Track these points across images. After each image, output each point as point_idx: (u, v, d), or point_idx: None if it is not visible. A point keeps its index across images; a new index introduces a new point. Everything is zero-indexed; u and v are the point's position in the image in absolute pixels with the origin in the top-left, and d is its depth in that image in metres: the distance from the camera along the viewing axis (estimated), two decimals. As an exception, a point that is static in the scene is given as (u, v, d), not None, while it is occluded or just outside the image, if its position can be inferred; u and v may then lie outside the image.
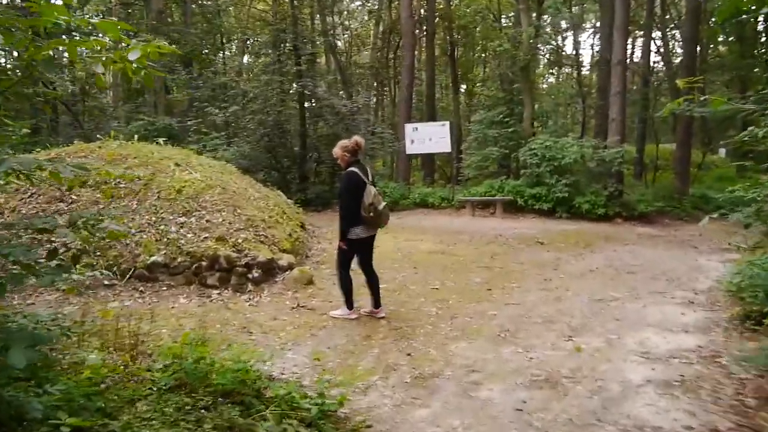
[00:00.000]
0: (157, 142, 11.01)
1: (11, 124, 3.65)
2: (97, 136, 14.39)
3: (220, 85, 18.75)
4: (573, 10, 25.62)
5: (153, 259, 7.40)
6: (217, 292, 7.27)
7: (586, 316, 6.33)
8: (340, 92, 24.14)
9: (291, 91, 17.77)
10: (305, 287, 7.55)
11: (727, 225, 14.52)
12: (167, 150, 10.03)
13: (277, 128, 16.91)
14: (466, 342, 5.57)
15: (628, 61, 18.98)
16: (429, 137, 17.10)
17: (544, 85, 36.98)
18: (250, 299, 7.11)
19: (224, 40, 25.72)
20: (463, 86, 34.63)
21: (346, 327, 6.08)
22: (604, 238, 11.78)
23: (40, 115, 22.70)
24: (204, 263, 7.40)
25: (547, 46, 31.37)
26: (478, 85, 32.28)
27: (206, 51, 23.12)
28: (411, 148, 17.56)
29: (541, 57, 31.06)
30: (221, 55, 28.45)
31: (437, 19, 25.86)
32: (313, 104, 17.57)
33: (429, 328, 6.02)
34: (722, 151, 34.36)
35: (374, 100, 31.91)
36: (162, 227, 7.82)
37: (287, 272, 7.73)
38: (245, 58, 29.20)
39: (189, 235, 7.73)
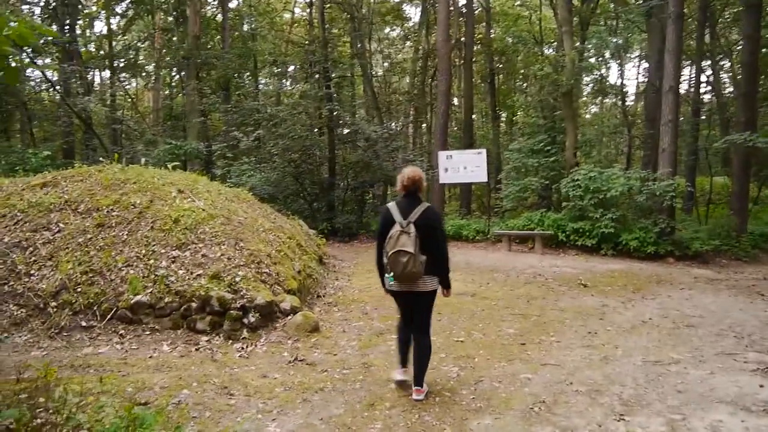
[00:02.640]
0: (166, 167, 10.27)
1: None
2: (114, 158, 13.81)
3: (251, 109, 18.09)
4: (618, 37, 24.47)
5: (137, 298, 6.51)
6: (207, 338, 6.32)
7: (640, 386, 5.17)
8: (374, 118, 23.36)
9: (320, 116, 16.98)
10: (309, 335, 6.54)
11: (793, 267, 13.17)
12: (173, 175, 9.23)
13: (305, 153, 16.10)
14: (491, 417, 4.49)
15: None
16: (464, 165, 16.07)
17: (588, 115, 35.73)
18: (242, 349, 6.14)
19: (257, 65, 25.22)
20: (504, 114, 33.65)
21: (347, 391, 5.04)
22: (656, 281, 10.51)
23: (71, 137, 22.63)
24: (194, 305, 6.48)
25: (591, 76, 30.29)
26: (518, 113, 31.19)
27: (239, 75, 22.60)
28: (445, 177, 16.54)
29: (584, 86, 29.95)
30: (257, 79, 28.10)
31: (476, 45, 25.04)
32: (343, 129, 16.72)
33: (447, 395, 4.94)
34: (776, 185, 32.51)
35: (411, 127, 31.13)
36: (151, 261, 6.94)
37: (290, 317, 6.75)
38: (277, 83, 28.79)
39: (180, 272, 6.83)
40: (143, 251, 7.10)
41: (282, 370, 5.52)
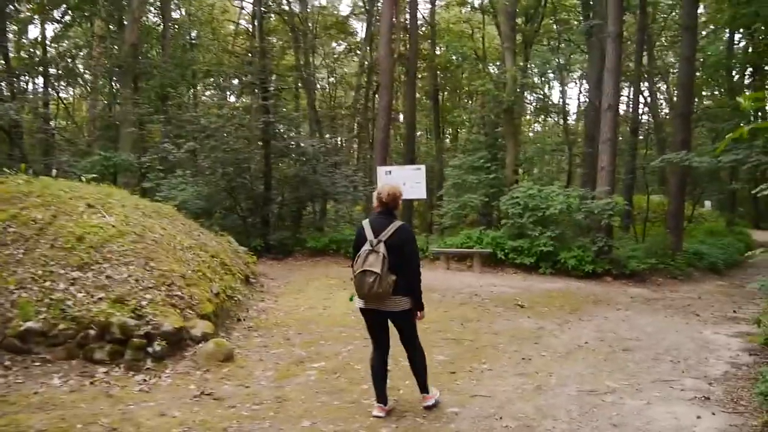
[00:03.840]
0: (80, 180, 9.54)
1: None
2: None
3: (185, 121, 17.34)
4: (560, 59, 24.76)
5: (27, 325, 5.82)
6: (105, 370, 5.68)
7: (574, 419, 4.80)
8: (315, 133, 22.88)
9: (257, 129, 16.39)
10: (221, 365, 5.97)
11: (726, 287, 13.25)
12: (85, 188, 8.53)
13: (238, 167, 15.46)
14: (411, 461, 4.03)
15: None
16: (403, 182, 15.67)
17: (531, 134, 36.14)
18: (144, 381, 5.53)
19: (195, 76, 24.43)
20: (448, 131, 33.68)
21: (254, 430, 4.51)
22: (593, 301, 10.32)
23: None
24: (92, 332, 5.84)
25: (533, 96, 30.61)
26: (462, 130, 31.24)
27: (175, 86, 21.80)
28: (383, 194, 16.11)
29: (527, 104, 30.24)
30: (195, 91, 27.28)
31: (420, 60, 24.91)
32: (279, 143, 16.16)
33: (365, 435, 4.47)
34: (707, 204, 33.46)
35: (356, 142, 30.75)
36: (48, 284, 6.26)
37: (201, 344, 6.17)
38: (219, 94, 28.02)
39: (80, 295, 6.17)
40: (40, 272, 6.40)
41: (184, 407, 4.95)
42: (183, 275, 7.13)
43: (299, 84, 26.55)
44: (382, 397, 4.84)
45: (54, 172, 9.37)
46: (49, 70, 27.54)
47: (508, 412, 4.94)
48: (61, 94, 30.62)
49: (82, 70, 28.74)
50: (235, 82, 25.88)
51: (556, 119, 36.85)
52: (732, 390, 5.57)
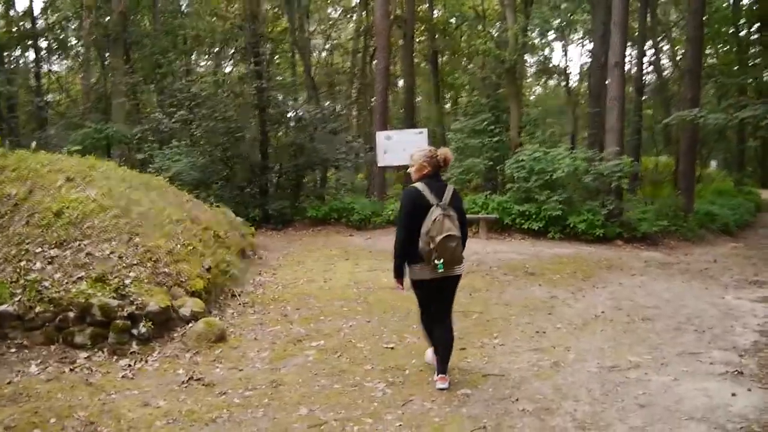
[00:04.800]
0: (64, 152, 9.05)
1: None
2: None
3: (175, 90, 16.71)
4: (561, 17, 23.93)
5: (1, 308, 5.38)
6: (86, 355, 5.24)
7: (596, 400, 4.37)
8: (311, 99, 22.22)
9: (250, 96, 15.79)
10: (212, 346, 5.54)
11: (742, 248, 12.79)
12: (65, 161, 8.01)
13: (232, 136, 14.90)
14: (420, 453, 3.61)
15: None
16: (404, 147, 15.12)
17: (532, 97, 35.36)
18: (128, 367, 5.10)
19: (186, 43, 23.66)
20: (448, 94, 32.92)
21: (246, 421, 4.09)
22: (606, 267, 9.86)
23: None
24: (71, 314, 5.39)
25: (535, 58, 29.81)
26: (463, 93, 30.48)
27: (165, 54, 21.09)
28: (384, 159, 15.57)
29: (528, 67, 29.46)
30: (188, 59, 26.51)
31: (417, 23, 24.12)
32: (273, 110, 15.55)
33: (368, 423, 4.04)
34: (713, 163, 32.94)
35: (355, 108, 30.07)
36: (23, 263, 5.80)
37: (191, 324, 5.73)
38: (212, 62, 27.25)
39: (57, 275, 5.72)
40: (14, 251, 5.95)
41: (171, 395, 4.52)
42: (170, 250, 6.66)
43: (294, 51, 25.83)
44: (441, 368, 4.64)
45: (33, 144, 8.81)
46: (39, 42, 26.87)
47: (524, 392, 4.52)
48: (53, 67, 29.97)
49: (73, 42, 27.96)
50: (231, 51, 25.24)
51: (557, 81, 36.09)
52: (766, 362, 5.14)
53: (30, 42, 26.56)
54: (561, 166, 13.06)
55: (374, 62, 23.09)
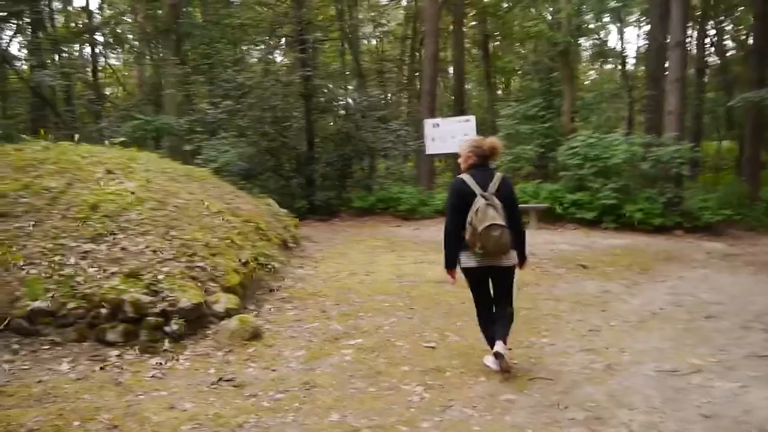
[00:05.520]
0: (111, 144, 9.06)
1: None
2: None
3: (223, 80, 16.69)
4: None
5: (35, 304, 5.30)
6: (118, 353, 5.11)
7: (655, 408, 3.98)
8: (361, 87, 21.96)
9: (296, 84, 15.64)
10: (246, 344, 5.34)
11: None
12: (107, 153, 8.00)
13: (277, 125, 14.78)
14: (457, 468, 3.31)
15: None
16: (451, 135, 14.74)
17: (587, 82, 34.23)
18: (159, 365, 4.94)
19: (233, 33, 23.70)
20: (501, 80, 32.16)
21: (274, 427, 3.86)
22: (665, 259, 9.31)
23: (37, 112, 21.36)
24: (103, 311, 5.27)
25: (589, 42, 28.72)
26: (515, 79, 29.71)
27: (212, 45, 21.17)
28: (432, 147, 15.23)
29: (583, 50, 28.45)
30: (237, 49, 26.61)
31: (467, 7, 23.57)
32: (319, 99, 15.36)
33: (402, 431, 3.76)
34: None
35: (405, 96, 29.71)
36: (57, 258, 5.73)
37: (225, 321, 5.55)
38: (264, 51, 27.27)
39: (91, 270, 5.61)
40: (50, 245, 5.88)
41: (199, 397, 4.34)
42: (207, 244, 6.51)
43: (343, 38, 25.60)
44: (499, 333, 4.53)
45: (76, 137, 8.83)
46: (96, 37, 27.44)
47: (574, 398, 4.16)
48: (110, 61, 30.62)
49: (127, 36, 28.46)
50: (278, 40, 25.19)
51: (613, 64, 34.81)
52: None
53: (87, 37, 27.12)
54: (616, 153, 12.50)
55: (423, 48, 22.68)
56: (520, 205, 4.91)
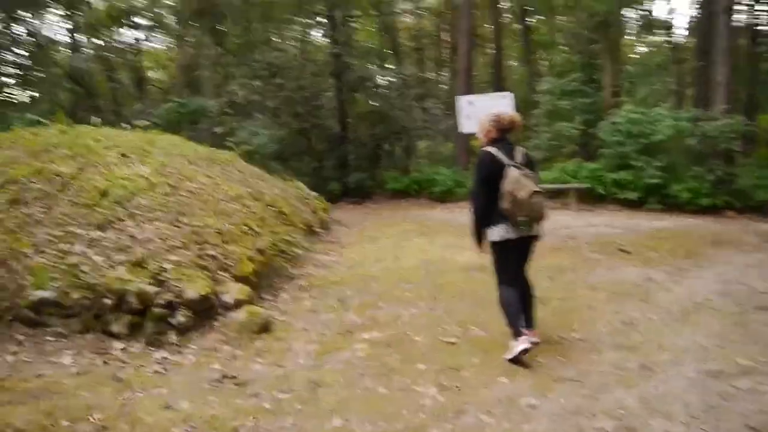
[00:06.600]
0: (127, 127, 8.88)
1: None
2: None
3: (255, 60, 16.45)
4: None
5: (40, 294, 5.12)
6: (122, 346, 4.89)
7: (695, 418, 3.55)
8: (397, 65, 21.49)
9: (326, 62, 15.29)
10: (255, 338, 5.06)
11: None
12: (123, 136, 7.80)
13: (309, 105, 14.46)
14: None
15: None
16: (487, 112, 14.17)
17: (634, 55, 32.96)
18: (164, 360, 4.71)
19: (265, 13, 23.46)
20: (540, 55, 31.18)
21: (270, 431, 3.57)
22: (713, 243, 8.70)
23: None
24: (108, 302, 5.06)
25: (636, 13, 27.52)
26: (554, 54, 28.74)
27: (246, 25, 21.02)
28: (466, 126, 14.65)
29: (628, 22, 27.29)
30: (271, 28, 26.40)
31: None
32: (351, 77, 14.96)
33: (410, 441, 3.43)
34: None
35: (440, 73, 29.06)
36: (64, 246, 5.53)
37: (234, 312, 5.28)
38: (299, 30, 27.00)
39: (97, 259, 5.40)
40: (58, 233, 5.69)
41: (198, 395, 4.07)
42: (220, 230, 6.24)
43: (377, 14, 25.11)
44: (529, 322, 4.60)
45: (95, 120, 8.67)
46: (136, 20, 27.54)
47: (603, 404, 3.75)
48: (151, 44, 30.77)
49: (168, 19, 28.51)
50: (309, 19, 24.87)
51: (662, 36, 33.40)
52: None
53: (128, 21, 27.23)
54: (661, 128, 11.80)
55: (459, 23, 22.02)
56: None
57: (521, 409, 3.73)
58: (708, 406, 3.69)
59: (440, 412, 3.74)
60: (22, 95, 22.92)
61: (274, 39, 19.00)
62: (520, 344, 4.28)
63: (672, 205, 11.63)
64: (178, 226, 5.97)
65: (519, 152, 4.51)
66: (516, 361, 4.31)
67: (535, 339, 4.47)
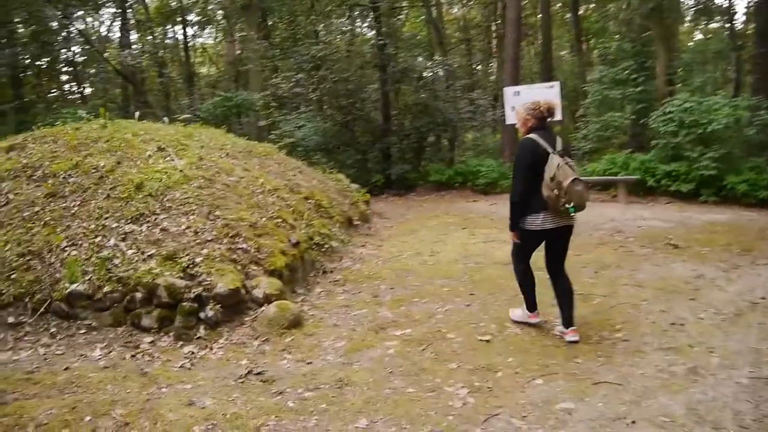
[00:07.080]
0: (164, 121, 8.93)
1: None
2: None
3: (299, 53, 16.44)
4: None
5: (73, 287, 5.14)
6: (151, 339, 4.88)
7: (746, 429, 3.27)
8: (443, 56, 21.19)
9: (369, 54, 15.15)
10: (285, 333, 4.97)
11: None
12: (162, 130, 7.83)
13: (352, 97, 14.36)
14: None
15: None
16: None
17: (690, 44, 31.80)
18: (192, 354, 4.66)
19: (313, 6, 23.46)
20: (592, 43, 30.35)
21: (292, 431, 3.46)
22: (771, 238, 8.24)
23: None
24: (139, 295, 5.04)
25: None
26: (602, 41, 27.93)
27: (292, 18, 21.04)
28: (512, 117, 14.35)
29: (685, 9, 26.28)
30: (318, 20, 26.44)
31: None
32: (395, 68, 14.78)
33: (434, 446, 3.26)
34: None
35: (489, 64, 28.61)
36: (98, 239, 5.55)
37: (264, 307, 5.19)
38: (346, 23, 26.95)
39: (129, 252, 5.40)
40: (92, 226, 5.71)
41: (222, 392, 3.99)
42: (253, 224, 6.18)
43: (423, 5, 24.83)
44: (569, 321, 4.61)
45: (137, 114, 8.74)
46: (186, 17, 27.97)
47: (645, 411, 3.50)
48: (202, 40, 31.22)
49: (217, 15, 28.87)
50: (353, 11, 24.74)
51: (720, 22, 32.09)
52: None
53: (179, 17, 27.68)
54: (718, 117, 11.24)
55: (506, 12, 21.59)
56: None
57: (556, 413, 3.52)
58: (762, 414, 3.40)
59: (470, 415, 3.56)
60: (76, 92, 23.60)
61: (319, 32, 18.91)
62: (531, 319, 4.85)
63: (727, 198, 11.08)
64: (212, 220, 5.93)
65: (559, 141, 4.50)
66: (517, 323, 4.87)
67: (574, 338, 4.51)
